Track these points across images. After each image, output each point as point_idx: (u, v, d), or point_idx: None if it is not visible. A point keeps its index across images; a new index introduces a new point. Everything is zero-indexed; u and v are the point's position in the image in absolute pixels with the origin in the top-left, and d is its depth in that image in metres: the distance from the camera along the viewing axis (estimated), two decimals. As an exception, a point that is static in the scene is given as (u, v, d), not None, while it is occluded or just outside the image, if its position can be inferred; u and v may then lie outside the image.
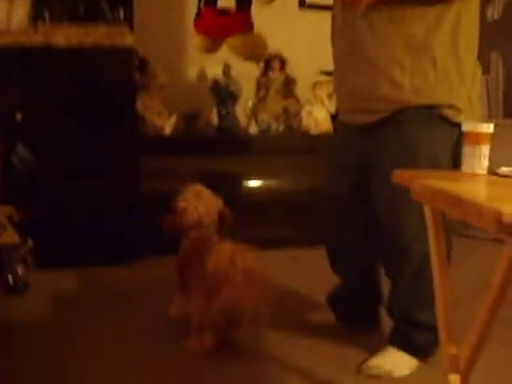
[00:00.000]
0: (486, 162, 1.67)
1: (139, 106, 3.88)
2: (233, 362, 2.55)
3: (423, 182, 1.49)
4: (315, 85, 4.27)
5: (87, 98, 3.56)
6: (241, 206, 3.94)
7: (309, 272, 2.99)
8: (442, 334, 1.75)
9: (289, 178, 4.11)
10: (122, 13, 3.58)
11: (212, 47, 2.49)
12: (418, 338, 2.44)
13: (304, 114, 4.27)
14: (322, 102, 4.25)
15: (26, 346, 2.70)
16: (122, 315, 3.02)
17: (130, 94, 3.70)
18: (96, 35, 3.54)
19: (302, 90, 4.44)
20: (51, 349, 2.67)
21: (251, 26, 2.47)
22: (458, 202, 1.31)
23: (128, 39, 3.59)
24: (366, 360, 2.48)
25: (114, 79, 3.62)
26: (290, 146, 4.17)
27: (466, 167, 1.68)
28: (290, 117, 4.40)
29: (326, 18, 4.45)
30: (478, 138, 1.65)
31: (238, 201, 3.90)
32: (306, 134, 4.25)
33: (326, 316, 2.91)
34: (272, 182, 4.10)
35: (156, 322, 2.92)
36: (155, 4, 4.27)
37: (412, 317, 2.42)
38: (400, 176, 1.66)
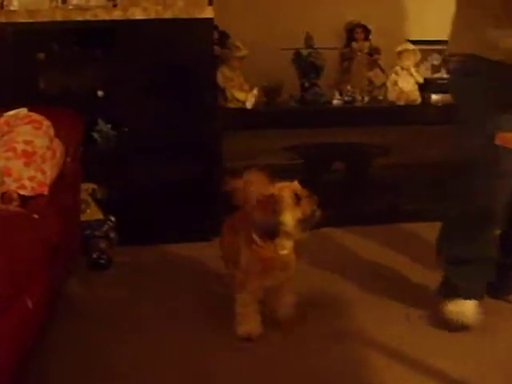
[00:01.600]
0: None
1: (220, 79, 3.81)
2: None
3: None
4: (401, 54, 4.08)
5: (167, 73, 3.51)
6: (327, 181, 3.86)
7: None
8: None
9: (376, 151, 3.96)
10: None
11: None
12: None
13: (389, 84, 4.11)
14: (408, 72, 4.07)
15: (110, 321, 2.68)
16: (201, 294, 2.97)
17: (210, 67, 3.62)
18: (175, 8, 3.47)
19: (386, 59, 4.27)
20: (134, 324, 2.65)
21: None
22: None
23: (207, 11, 3.50)
24: None
25: (194, 53, 3.53)
26: (375, 117, 4.02)
27: None
28: (375, 88, 4.24)
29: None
30: None
31: (323, 175, 3.81)
32: (392, 105, 4.07)
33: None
34: (359, 155, 3.97)
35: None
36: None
37: None
38: (504, 138, 1.51)
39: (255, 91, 3.87)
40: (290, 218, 2.36)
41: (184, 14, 3.48)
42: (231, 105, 3.86)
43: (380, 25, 4.32)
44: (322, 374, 2.27)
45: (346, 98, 4.09)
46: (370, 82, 4.28)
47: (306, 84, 4.06)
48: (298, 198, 2.36)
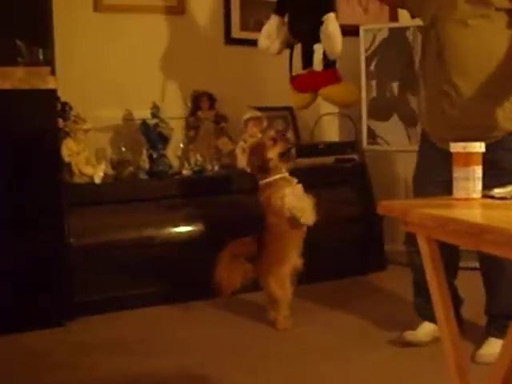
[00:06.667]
0: (479, 185, 1.51)
1: (65, 153, 3.62)
2: None
3: (424, 211, 1.31)
4: (248, 121, 4.07)
5: (8, 147, 3.29)
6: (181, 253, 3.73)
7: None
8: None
9: (233, 216, 3.86)
10: (41, 54, 3.31)
11: (308, 102, 3.67)
12: None
13: (238, 151, 4.07)
14: (256, 138, 4.05)
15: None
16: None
17: (53, 140, 3.44)
18: (14, 78, 3.26)
19: (233, 126, 4.28)
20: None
21: (339, 79, 3.59)
22: (474, 229, 1.13)
23: (49, 82, 3.34)
24: (476, 350, 2.86)
25: (36, 125, 3.35)
26: (226, 185, 3.96)
27: (458, 192, 1.51)
28: (224, 156, 4.22)
29: (251, 53, 4.37)
30: (469, 160, 1.48)
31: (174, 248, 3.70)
32: (242, 172, 4.03)
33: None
34: (213, 225, 3.86)
35: None
36: (78, 44, 4.01)
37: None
38: (388, 207, 1.46)
39: (103, 165, 3.71)
40: (272, 154, 3.31)
41: (25, 84, 3.28)
42: (79, 180, 3.67)
43: (225, 93, 4.33)
44: None
45: (195, 168, 4.02)
46: (218, 149, 4.25)
47: (154, 155, 3.96)
48: (275, 140, 3.33)
